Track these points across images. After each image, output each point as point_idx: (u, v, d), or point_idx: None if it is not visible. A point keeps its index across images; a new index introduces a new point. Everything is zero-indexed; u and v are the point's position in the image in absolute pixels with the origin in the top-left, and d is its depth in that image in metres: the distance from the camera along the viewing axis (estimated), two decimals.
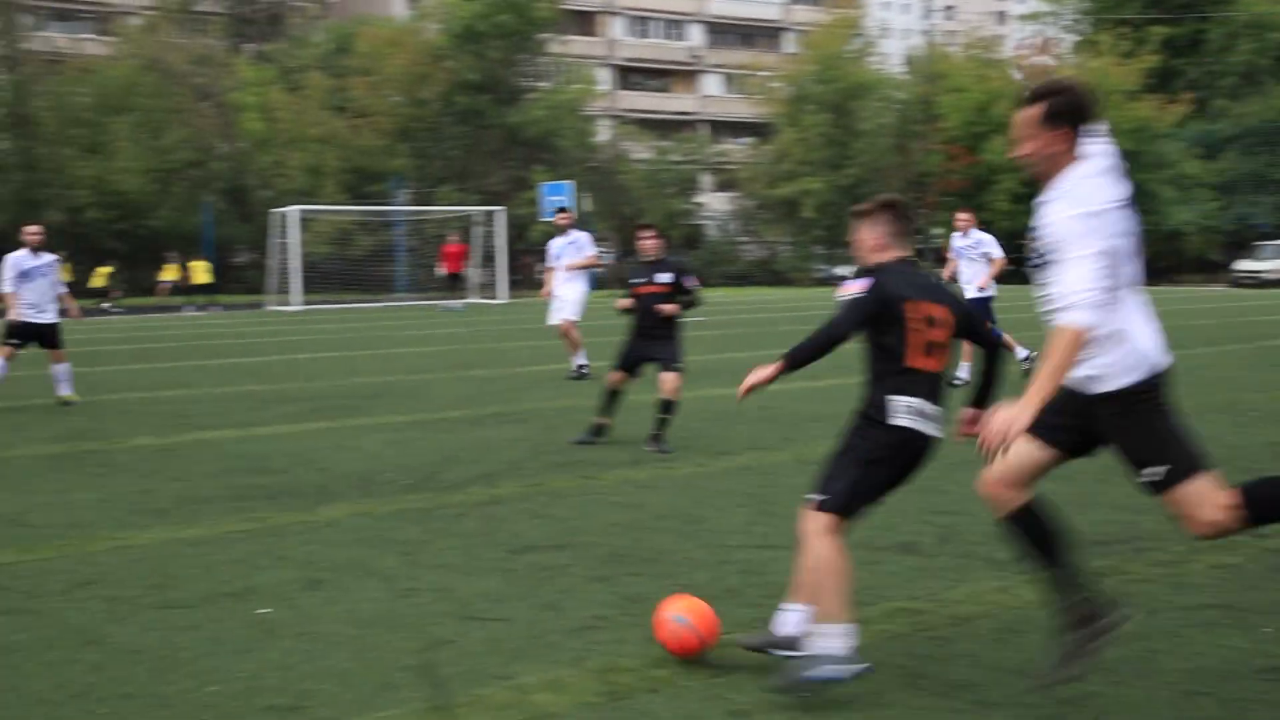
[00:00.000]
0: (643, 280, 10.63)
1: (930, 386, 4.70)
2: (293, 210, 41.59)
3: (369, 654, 5.23)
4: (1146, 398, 4.24)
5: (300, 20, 69.44)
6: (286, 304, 39.60)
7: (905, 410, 4.64)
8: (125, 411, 13.43)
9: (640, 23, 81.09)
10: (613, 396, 10.68)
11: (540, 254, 59.06)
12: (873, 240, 4.93)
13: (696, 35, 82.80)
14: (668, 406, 10.31)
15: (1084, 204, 4.14)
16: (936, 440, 4.72)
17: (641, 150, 62.87)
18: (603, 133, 62.45)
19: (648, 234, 10.62)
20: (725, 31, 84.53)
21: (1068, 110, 4.28)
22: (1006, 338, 13.74)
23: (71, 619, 5.82)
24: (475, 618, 5.72)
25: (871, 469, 4.67)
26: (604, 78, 65.68)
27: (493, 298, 43.81)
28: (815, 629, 4.58)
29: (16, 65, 53.49)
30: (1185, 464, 4.23)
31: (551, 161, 55.49)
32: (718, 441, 10.71)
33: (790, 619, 4.86)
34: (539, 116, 55.00)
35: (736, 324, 28.09)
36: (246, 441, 11.12)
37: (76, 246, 49.81)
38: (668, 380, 10.34)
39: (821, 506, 4.66)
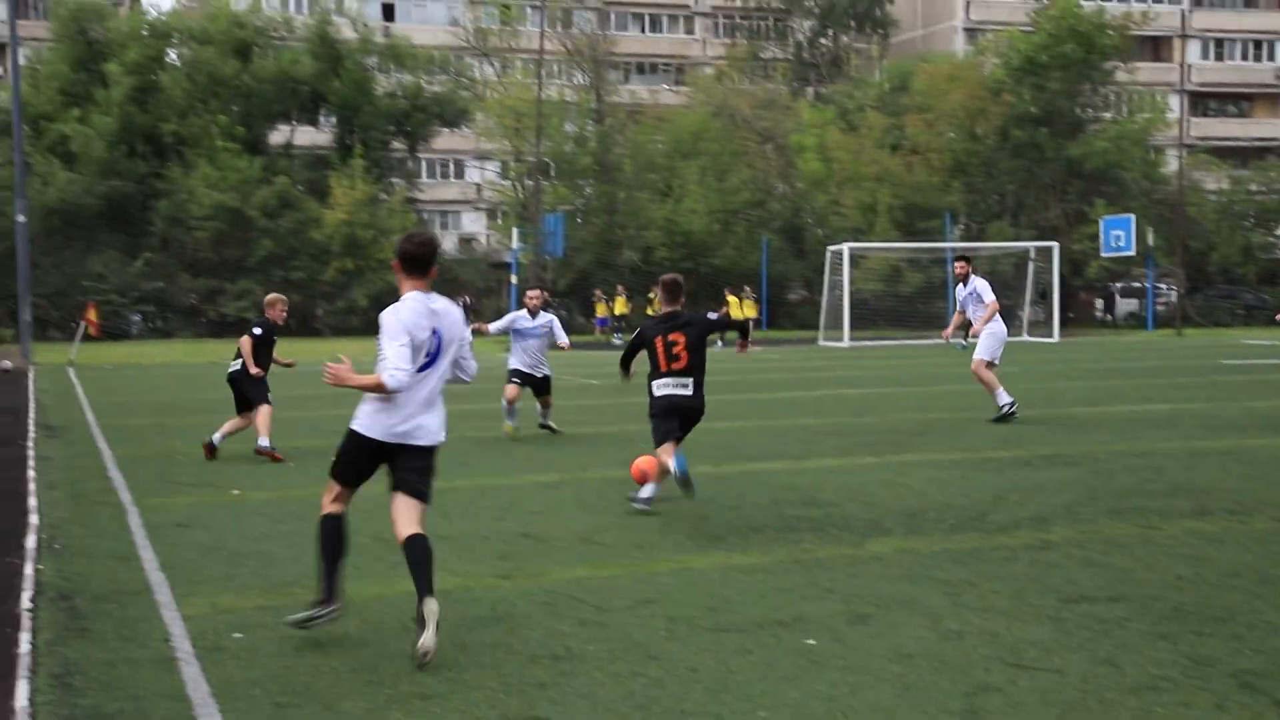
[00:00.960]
0: None
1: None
2: (845, 247, 42.36)
3: (913, 693, 5.19)
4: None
5: (861, 62, 70.82)
6: (837, 340, 40.33)
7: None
8: (684, 441, 14.13)
9: (1217, 45, 75.97)
10: None
11: (1099, 291, 56.77)
12: None
13: None
14: None
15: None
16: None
17: (1215, 180, 58.74)
18: (1171, 163, 58.99)
19: None
20: None
21: None
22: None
23: (635, 634, 6.21)
24: (1024, 666, 5.53)
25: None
26: (1174, 104, 62.00)
27: (1047, 336, 42.43)
28: None
29: (603, 117, 58.24)
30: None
31: (1113, 194, 53.06)
32: None
33: None
34: (1101, 148, 52.77)
35: None
36: (796, 474, 11.40)
37: (647, 285, 53.49)
38: None
39: None
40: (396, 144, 58.70)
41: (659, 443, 9.88)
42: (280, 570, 7.69)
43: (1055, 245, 44.18)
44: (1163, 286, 55.88)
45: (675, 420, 9.86)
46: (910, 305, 47.24)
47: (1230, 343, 37.50)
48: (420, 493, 6.45)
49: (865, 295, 46.38)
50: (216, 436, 13.34)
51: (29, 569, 7.71)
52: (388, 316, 6.27)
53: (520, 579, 7.40)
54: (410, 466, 6.42)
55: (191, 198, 49.70)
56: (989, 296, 16.05)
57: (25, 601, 6.91)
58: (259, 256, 49.76)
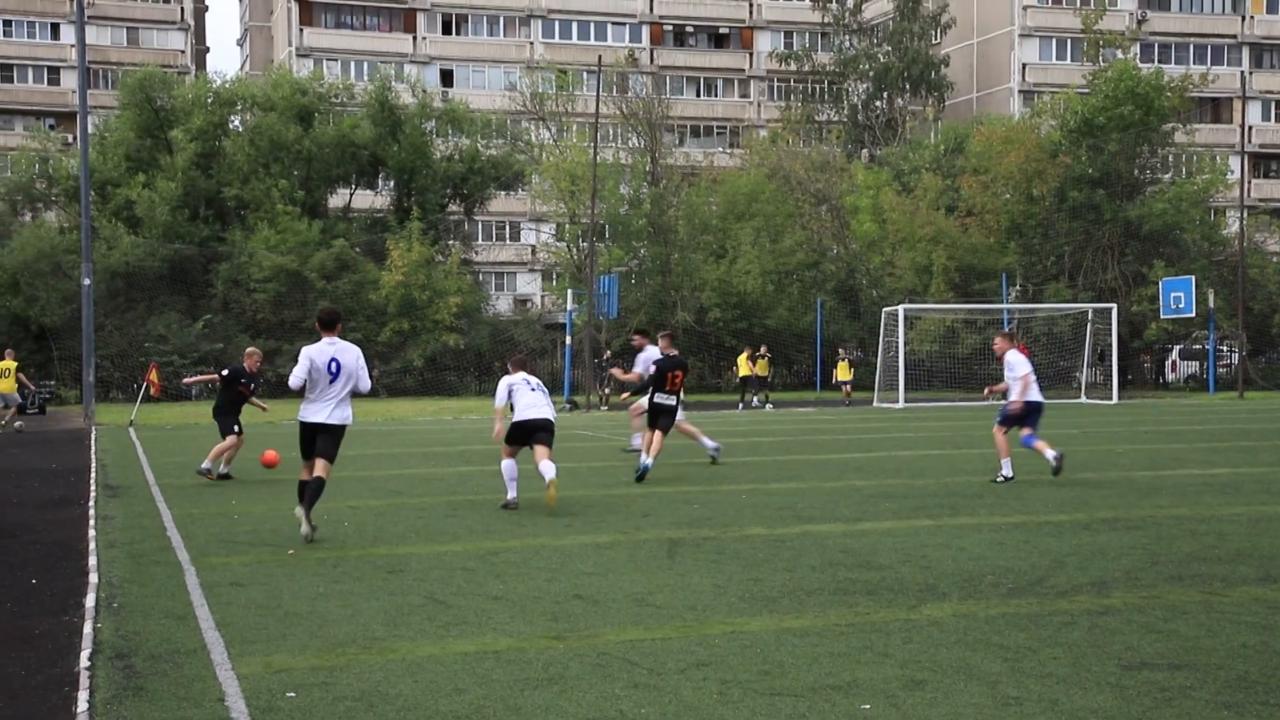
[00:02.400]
0: None
1: None
2: (900, 308, 42.24)
3: None
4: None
5: (916, 124, 70.99)
6: (893, 401, 40.11)
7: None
8: (738, 502, 14.11)
9: (1278, 107, 75.47)
10: None
11: (1157, 353, 56.18)
12: None
13: None
14: None
15: None
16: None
17: (1276, 242, 58.14)
18: (1231, 224, 58.48)
19: None
20: None
21: None
22: (1038, 443, 15.80)
23: (688, 697, 6.16)
24: None
25: None
26: (1235, 166, 61.56)
27: (1105, 398, 41.98)
28: None
29: (658, 179, 58.65)
30: None
31: (1173, 256, 52.63)
32: None
33: None
34: (1160, 209, 52.41)
35: None
36: (851, 536, 11.32)
37: (700, 345, 53.50)
38: None
39: None
40: (453, 207, 59.39)
41: (650, 427, 16.85)
42: (334, 630, 7.71)
43: (1113, 307, 43.82)
44: (1224, 349, 55.16)
45: (664, 419, 16.81)
46: (966, 367, 46.94)
47: None
48: (329, 455, 11.43)
49: (920, 356, 46.14)
50: (205, 464, 16.84)
51: (87, 628, 7.79)
52: (303, 349, 11.62)
53: (572, 640, 7.37)
54: (326, 440, 11.41)
55: (251, 260, 50.44)
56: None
57: (84, 660, 6.97)
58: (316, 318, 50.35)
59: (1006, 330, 17.38)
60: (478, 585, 9.08)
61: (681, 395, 17.23)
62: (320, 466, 11.24)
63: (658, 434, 16.50)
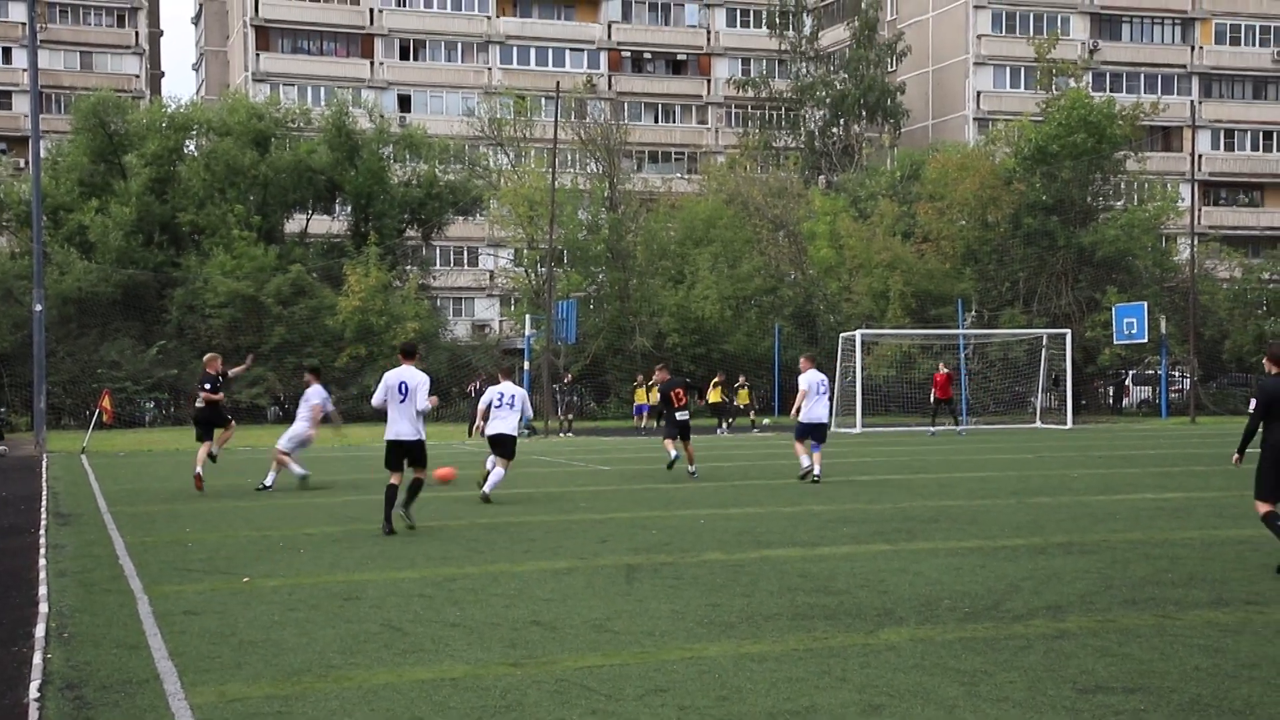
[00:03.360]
0: None
1: None
2: (857, 334, 42.44)
3: None
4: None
5: (872, 151, 71.51)
6: (850, 426, 40.27)
7: None
8: (696, 527, 14.11)
9: (1227, 135, 76.61)
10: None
11: (1111, 379, 56.72)
12: None
13: None
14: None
15: None
16: None
17: (1227, 269, 58.90)
18: (1183, 251, 59.22)
19: None
20: None
21: None
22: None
23: None
24: None
25: None
26: (1185, 193, 62.38)
27: (1060, 423, 42.32)
28: None
29: (616, 205, 58.75)
30: None
31: (1125, 282, 53.21)
32: None
33: None
34: (1113, 236, 53.01)
35: None
36: (809, 561, 11.34)
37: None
38: None
39: None
40: (411, 232, 59.24)
41: (667, 437, 21.44)
42: (290, 658, 7.64)
43: (1068, 332, 44.22)
44: (1176, 374, 55.74)
45: (676, 429, 21.11)
46: (923, 391, 47.16)
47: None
48: (420, 463, 13.94)
49: (878, 381, 46.34)
50: (199, 469, 18.95)
51: (37, 658, 7.68)
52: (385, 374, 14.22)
53: (530, 667, 7.34)
54: (413, 452, 13.90)
55: (207, 286, 50.07)
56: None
57: (33, 691, 6.87)
58: (273, 343, 50.01)
59: (809, 353, 22.40)
60: (435, 612, 9.03)
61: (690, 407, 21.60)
62: (414, 470, 13.98)
63: (686, 444, 21.13)
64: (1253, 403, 11.00)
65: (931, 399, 38.33)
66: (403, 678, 7.10)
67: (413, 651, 7.78)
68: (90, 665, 7.50)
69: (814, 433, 19.83)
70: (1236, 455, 11.32)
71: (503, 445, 17.14)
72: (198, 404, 19.44)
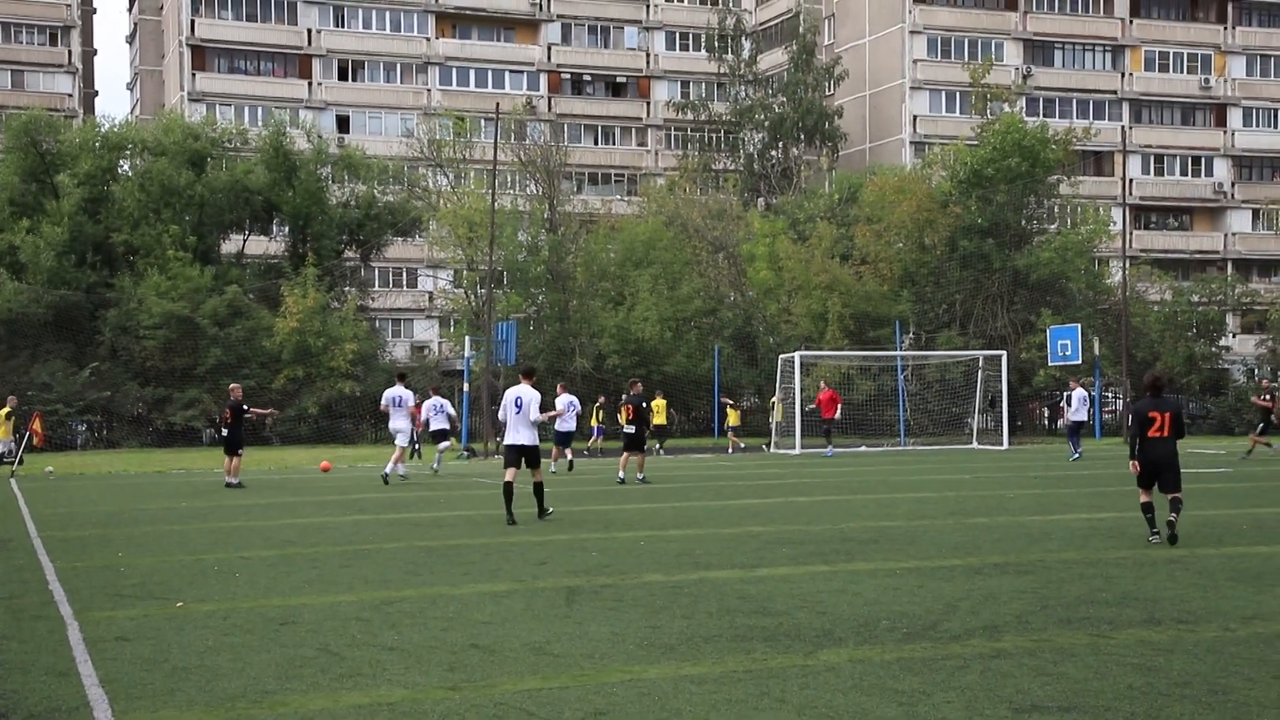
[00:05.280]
0: None
1: None
2: (796, 355, 42.67)
3: None
4: None
5: (810, 174, 72.05)
6: (789, 447, 40.45)
7: None
8: (636, 549, 14.09)
9: (1157, 160, 77.95)
10: None
11: (1046, 398, 57.34)
12: None
13: (1222, 171, 78.52)
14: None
15: None
16: None
17: (1158, 292, 59.86)
18: (1115, 274, 60.11)
19: None
20: (1255, 165, 79.61)
21: None
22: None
23: None
24: None
25: None
26: (1117, 217, 63.33)
27: (996, 443, 42.75)
28: None
29: (556, 226, 58.77)
30: None
31: (1059, 304, 53.91)
32: (1247, 605, 9.82)
33: None
34: (1047, 259, 53.72)
35: (1269, 476, 25.78)
36: (749, 582, 11.36)
37: (600, 391, 53.52)
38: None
39: None
40: (349, 253, 58.91)
41: (626, 450, 24.78)
42: (224, 684, 7.53)
43: (1003, 354, 44.70)
44: (1109, 395, 56.48)
45: (630, 441, 24.66)
46: (861, 412, 47.52)
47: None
48: (535, 464, 16.84)
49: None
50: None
51: None
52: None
53: (469, 690, 7.29)
54: (529, 454, 16.67)
55: (141, 307, 49.46)
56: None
57: None
58: (208, 365, 49.50)
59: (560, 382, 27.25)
60: (372, 636, 8.95)
61: (640, 422, 25.14)
62: (533, 474, 16.91)
63: (632, 455, 24.84)
64: (1129, 419, 14.42)
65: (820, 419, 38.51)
66: (339, 703, 7.02)
67: (349, 676, 7.70)
68: (18, 693, 7.36)
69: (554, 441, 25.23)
70: (1132, 462, 14.07)
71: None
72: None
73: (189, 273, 50.51)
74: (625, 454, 25.15)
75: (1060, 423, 56.88)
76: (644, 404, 25.63)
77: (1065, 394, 36.79)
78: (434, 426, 29.45)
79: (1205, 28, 78.73)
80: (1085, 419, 39.05)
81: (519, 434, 16.54)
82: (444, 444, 29.84)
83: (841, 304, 52.96)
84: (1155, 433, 13.83)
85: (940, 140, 68.67)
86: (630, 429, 24.94)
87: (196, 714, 6.85)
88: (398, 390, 26.63)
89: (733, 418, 44.44)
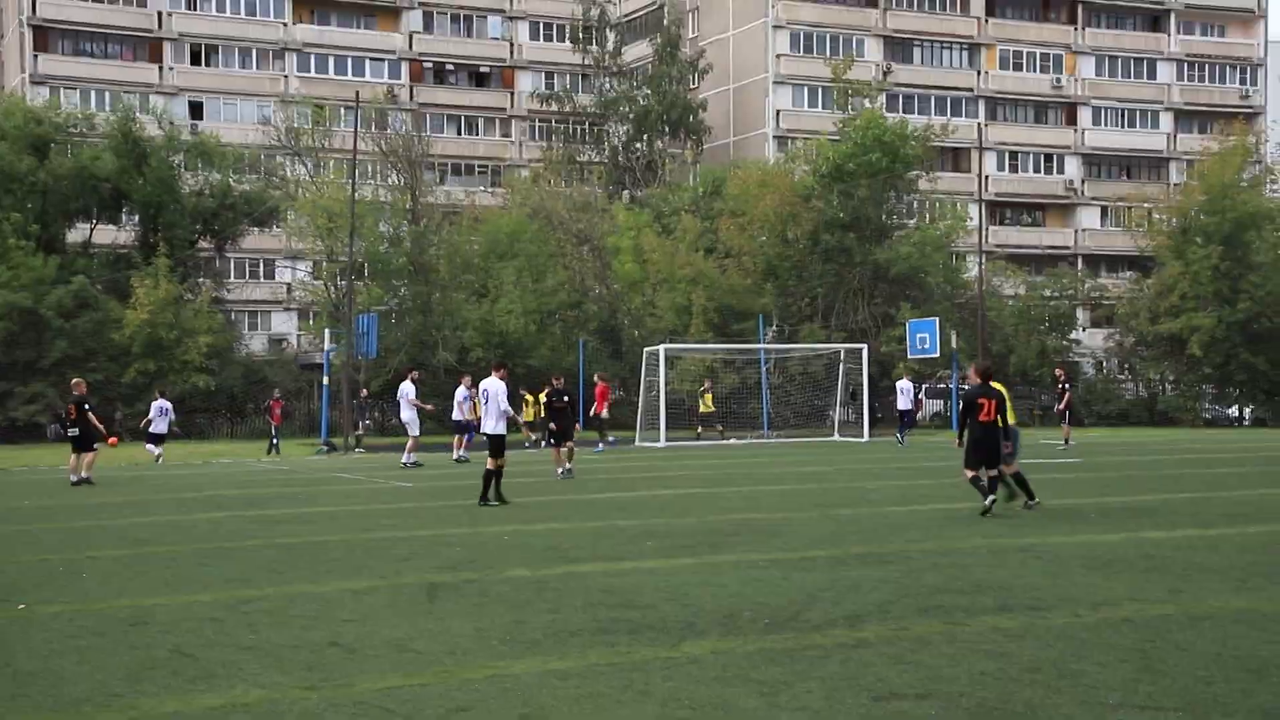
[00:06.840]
0: None
1: None
2: (660, 348, 42.83)
3: None
4: None
5: (675, 167, 72.37)
6: (654, 440, 40.59)
7: None
8: (500, 543, 14.00)
9: (1012, 157, 79.98)
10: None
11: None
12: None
13: (1073, 168, 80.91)
14: None
15: None
16: None
17: (1012, 286, 61.46)
18: (971, 269, 61.59)
19: None
20: (1104, 163, 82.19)
21: None
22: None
23: None
24: None
25: None
26: (974, 213, 64.89)
27: (857, 436, 43.47)
28: None
29: (418, 218, 58.10)
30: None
31: (918, 298, 54.98)
32: (1096, 591, 10.12)
33: None
34: (906, 253, 54.77)
35: (1114, 466, 26.67)
36: (614, 575, 11.35)
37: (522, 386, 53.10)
38: None
39: None
40: (203, 243, 57.52)
41: (556, 444, 24.04)
42: (71, 688, 7.27)
43: (864, 347, 45.42)
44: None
45: (561, 434, 23.95)
46: (725, 405, 47.90)
47: (1028, 443, 38.91)
48: (499, 454, 18.07)
49: (681, 396, 46.85)
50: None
51: None
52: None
53: (328, 690, 7.15)
54: (497, 443, 18.04)
55: None
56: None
57: None
58: (53, 358, 47.89)
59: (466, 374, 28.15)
60: (228, 636, 8.73)
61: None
62: (492, 462, 18.09)
63: (562, 449, 24.04)
64: (959, 405, 16.81)
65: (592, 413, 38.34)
66: (192, 705, 6.83)
67: (203, 678, 7.49)
68: None
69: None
70: (957, 440, 16.55)
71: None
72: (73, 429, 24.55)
73: (31, 262, 48.79)
74: (555, 449, 24.30)
75: (919, 414, 58.17)
76: (565, 397, 24.64)
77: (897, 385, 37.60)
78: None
79: (1056, 28, 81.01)
80: (910, 407, 40.16)
81: (487, 423, 18.33)
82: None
83: (706, 297, 53.33)
84: (984, 417, 15.87)
85: (803, 135, 69.49)
86: (554, 425, 24.40)
87: (43, 718, 6.60)
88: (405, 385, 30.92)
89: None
